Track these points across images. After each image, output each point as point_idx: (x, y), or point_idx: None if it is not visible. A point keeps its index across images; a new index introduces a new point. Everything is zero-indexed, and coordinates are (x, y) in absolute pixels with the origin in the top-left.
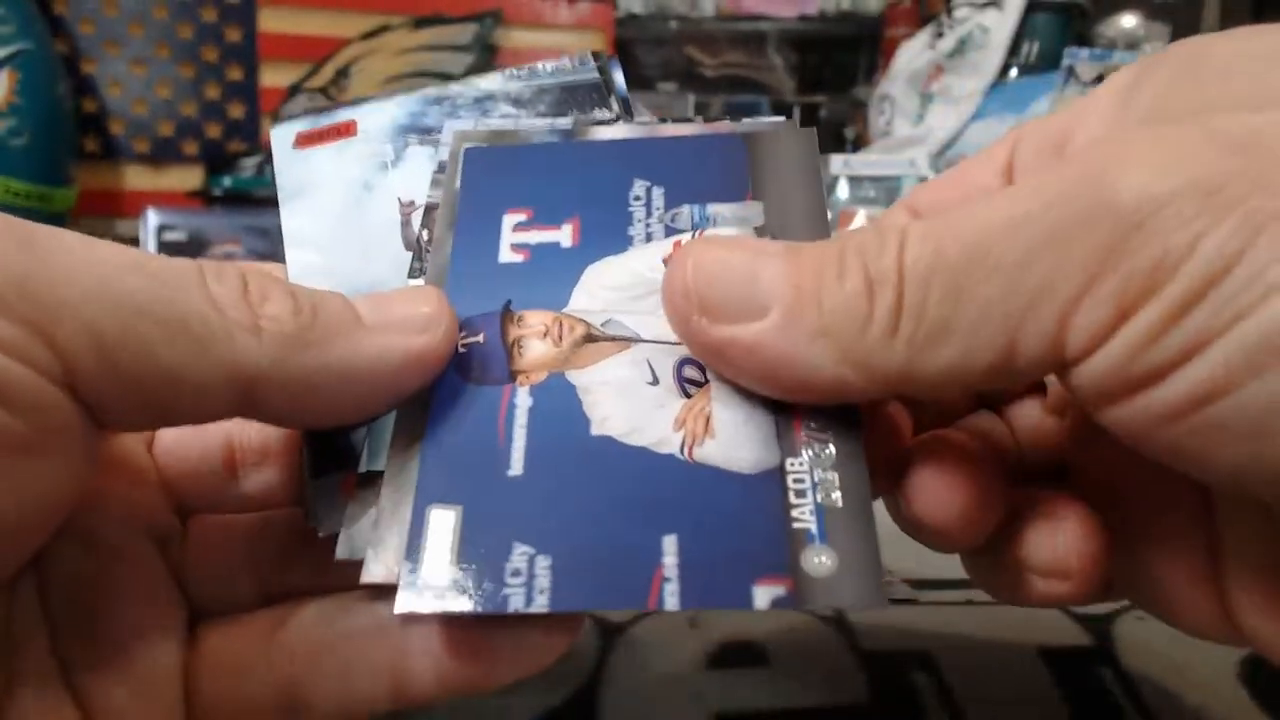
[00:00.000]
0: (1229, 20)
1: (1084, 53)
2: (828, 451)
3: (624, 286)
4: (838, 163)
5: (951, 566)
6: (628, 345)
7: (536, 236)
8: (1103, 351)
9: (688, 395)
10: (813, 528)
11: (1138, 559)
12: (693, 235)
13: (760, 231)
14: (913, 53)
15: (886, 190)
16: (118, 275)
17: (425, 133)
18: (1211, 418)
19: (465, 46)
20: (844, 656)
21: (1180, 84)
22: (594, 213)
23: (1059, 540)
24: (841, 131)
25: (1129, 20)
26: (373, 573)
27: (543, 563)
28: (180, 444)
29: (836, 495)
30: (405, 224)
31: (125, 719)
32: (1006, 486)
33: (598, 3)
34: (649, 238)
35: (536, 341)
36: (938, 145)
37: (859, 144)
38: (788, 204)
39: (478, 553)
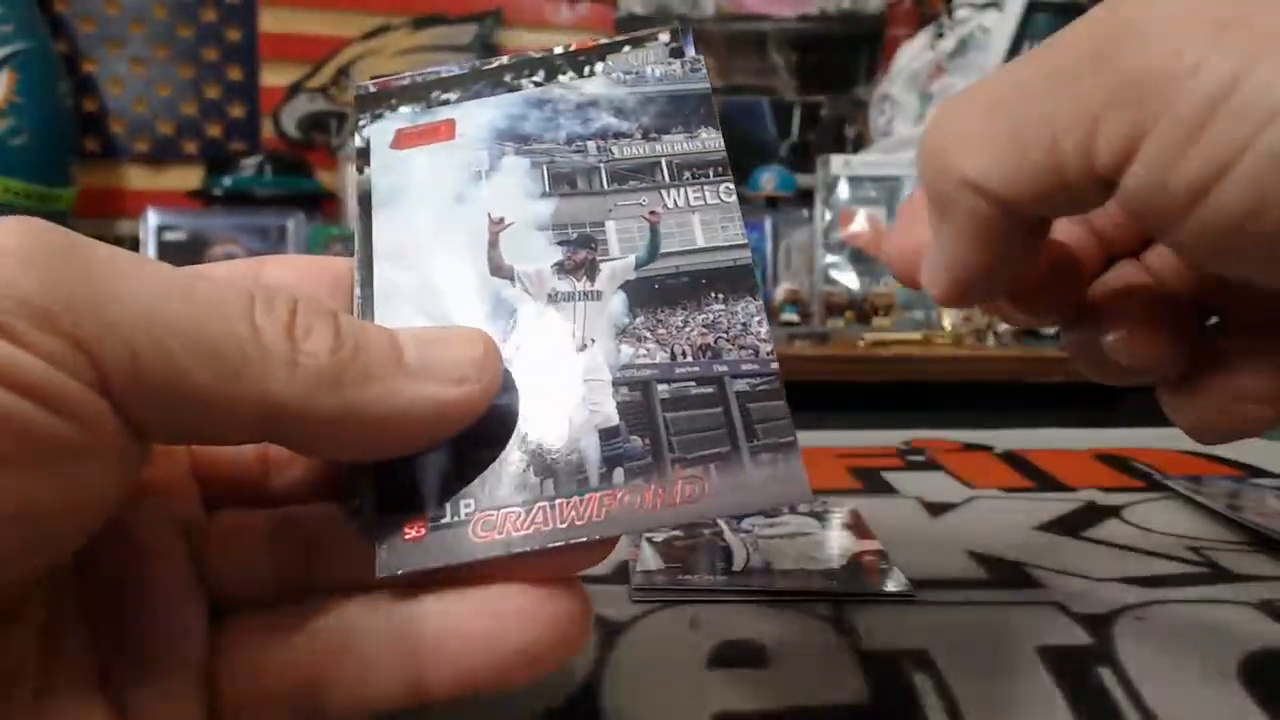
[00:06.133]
0: None
1: None
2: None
3: None
4: (838, 163)
5: (951, 566)
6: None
7: None
8: (1132, 168)
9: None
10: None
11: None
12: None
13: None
14: (913, 53)
15: (887, 190)
16: (163, 300)
17: (523, 140)
18: (1265, 226)
19: (465, 46)
20: (844, 656)
21: None
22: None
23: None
24: (842, 131)
25: None
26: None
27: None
28: None
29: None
30: (493, 245)
31: (152, 717)
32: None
33: (598, 2)
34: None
35: None
36: None
37: (859, 144)
38: None
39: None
